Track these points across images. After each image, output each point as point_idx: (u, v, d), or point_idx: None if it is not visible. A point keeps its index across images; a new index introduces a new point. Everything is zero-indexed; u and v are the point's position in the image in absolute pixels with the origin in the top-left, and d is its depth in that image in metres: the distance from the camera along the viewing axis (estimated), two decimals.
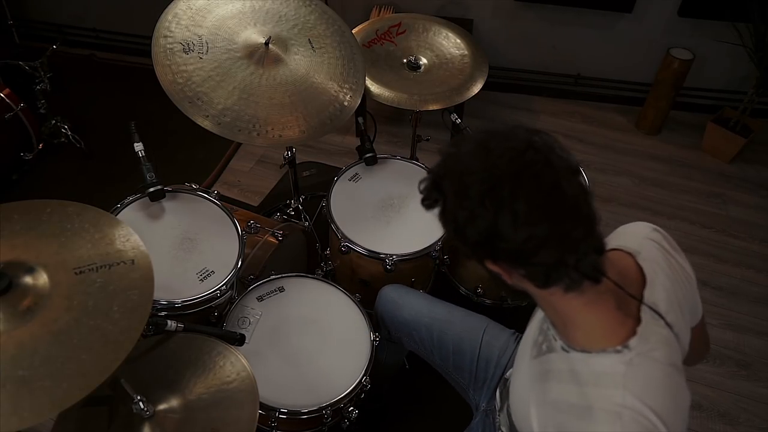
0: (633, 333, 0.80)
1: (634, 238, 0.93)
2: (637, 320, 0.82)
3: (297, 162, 1.94)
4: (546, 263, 0.76)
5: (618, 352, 0.78)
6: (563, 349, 0.84)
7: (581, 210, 0.76)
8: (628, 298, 0.83)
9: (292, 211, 2.05)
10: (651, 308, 0.83)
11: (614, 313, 0.81)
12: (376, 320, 1.53)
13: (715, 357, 2.00)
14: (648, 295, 0.85)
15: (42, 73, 2.42)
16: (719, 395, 1.90)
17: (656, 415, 0.76)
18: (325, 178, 2.22)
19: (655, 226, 0.97)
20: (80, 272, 1.02)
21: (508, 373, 1.22)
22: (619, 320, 0.81)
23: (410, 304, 1.46)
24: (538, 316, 0.98)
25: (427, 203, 0.83)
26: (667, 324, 0.84)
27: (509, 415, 1.08)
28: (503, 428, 1.13)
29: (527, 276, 0.80)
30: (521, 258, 0.77)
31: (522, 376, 0.96)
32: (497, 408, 1.20)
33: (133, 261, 1.06)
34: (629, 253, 0.90)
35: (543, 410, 0.85)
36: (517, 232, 0.73)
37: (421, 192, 0.84)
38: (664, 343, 0.83)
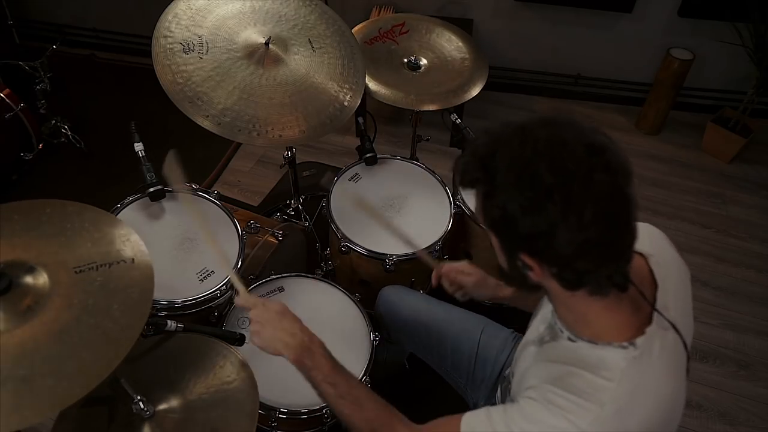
0: (641, 333, 0.80)
1: (647, 238, 0.92)
2: (648, 323, 0.82)
3: (297, 162, 1.94)
4: (584, 269, 0.74)
5: (623, 348, 0.79)
6: (570, 339, 0.85)
7: (633, 218, 0.74)
8: (644, 304, 0.83)
9: (292, 211, 2.05)
10: (662, 315, 0.83)
11: (629, 317, 0.81)
12: (376, 321, 1.53)
13: (715, 357, 2.00)
14: (660, 300, 0.85)
15: (42, 73, 2.42)
16: (719, 395, 1.90)
17: (637, 421, 0.76)
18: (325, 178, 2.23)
19: (657, 230, 0.97)
20: (80, 271, 1.02)
21: (506, 371, 1.22)
22: (631, 323, 0.81)
23: (409, 305, 1.46)
24: (543, 312, 0.98)
25: (468, 180, 0.78)
26: (677, 330, 0.84)
27: None
28: None
29: (556, 275, 0.77)
30: (563, 259, 0.74)
31: (525, 362, 0.96)
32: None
33: (133, 260, 1.06)
34: (641, 255, 0.89)
35: (540, 370, 0.85)
36: (577, 233, 0.70)
37: (461, 167, 0.79)
38: (670, 349, 0.83)
